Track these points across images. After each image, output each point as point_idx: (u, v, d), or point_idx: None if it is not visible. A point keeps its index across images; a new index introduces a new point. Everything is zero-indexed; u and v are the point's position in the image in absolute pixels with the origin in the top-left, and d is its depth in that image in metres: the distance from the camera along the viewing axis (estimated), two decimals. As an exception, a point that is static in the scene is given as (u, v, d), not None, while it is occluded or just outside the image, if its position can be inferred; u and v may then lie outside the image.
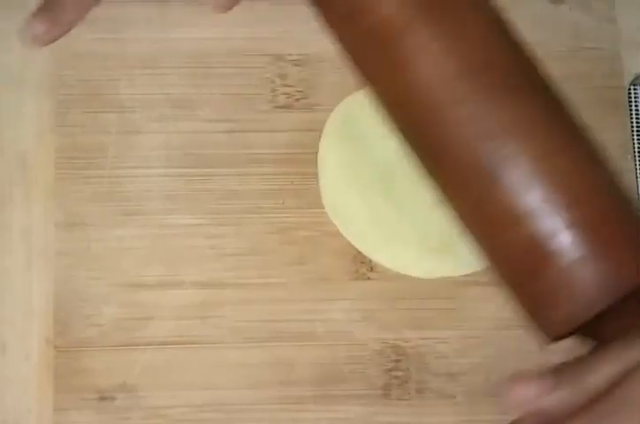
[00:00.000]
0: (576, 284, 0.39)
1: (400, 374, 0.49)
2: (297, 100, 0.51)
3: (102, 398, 0.48)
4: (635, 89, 0.53)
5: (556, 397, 0.37)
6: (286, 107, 0.51)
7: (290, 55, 0.52)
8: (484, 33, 0.42)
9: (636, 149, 0.52)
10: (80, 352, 0.48)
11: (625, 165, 0.52)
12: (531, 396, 0.37)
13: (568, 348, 0.49)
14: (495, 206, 0.41)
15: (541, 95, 0.42)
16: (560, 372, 0.38)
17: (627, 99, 0.53)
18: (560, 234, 0.39)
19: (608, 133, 0.52)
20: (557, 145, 0.41)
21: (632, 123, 0.52)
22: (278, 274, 0.50)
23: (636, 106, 0.53)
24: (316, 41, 0.52)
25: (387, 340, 0.49)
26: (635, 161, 0.52)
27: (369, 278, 0.50)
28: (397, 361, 0.49)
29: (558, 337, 0.41)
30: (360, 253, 0.50)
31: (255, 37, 0.52)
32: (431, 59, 0.41)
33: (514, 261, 0.41)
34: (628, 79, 0.53)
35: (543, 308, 0.41)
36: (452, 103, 0.41)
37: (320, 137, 0.51)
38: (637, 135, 0.52)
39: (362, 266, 0.50)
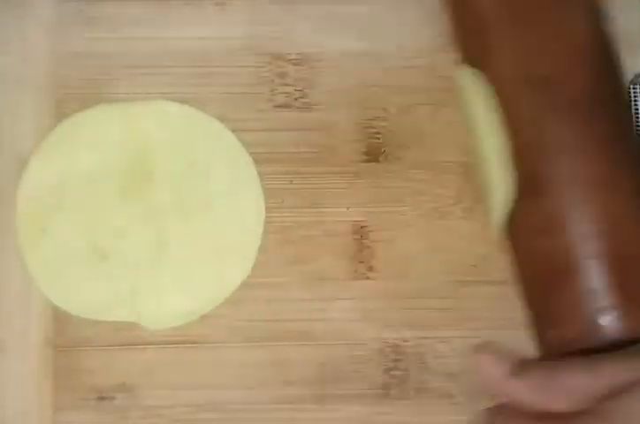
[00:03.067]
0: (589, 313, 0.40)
1: (399, 373, 0.49)
2: (296, 99, 0.51)
3: (102, 398, 0.48)
4: (634, 89, 0.53)
5: (524, 386, 0.37)
6: (286, 106, 0.51)
7: (289, 54, 0.52)
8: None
9: (636, 148, 0.52)
10: (79, 352, 0.48)
11: (625, 165, 0.52)
12: (497, 375, 0.38)
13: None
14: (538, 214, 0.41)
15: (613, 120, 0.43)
16: (530, 365, 0.39)
17: (627, 98, 0.53)
18: (588, 260, 0.40)
19: (608, 133, 0.52)
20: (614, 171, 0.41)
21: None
22: (278, 273, 0.50)
23: (636, 106, 0.52)
24: (316, 40, 0.52)
25: (387, 340, 0.49)
26: (634, 160, 0.52)
27: (368, 278, 0.50)
28: (396, 361, 0.49)
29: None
30: (359, 252, 0.50)
31: (255, 36, 0.52)
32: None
33: (540, 269, 0.41)
34: (627, 78, 0.53)
35: (553, 324, 0.42)
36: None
37: (319, 136, 0.51)
38: (637, 135, 0.52)
39: (362, 265, 0.50)
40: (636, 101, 0.53)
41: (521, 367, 0.38)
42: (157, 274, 0.49)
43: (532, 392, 0.37)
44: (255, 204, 0.50)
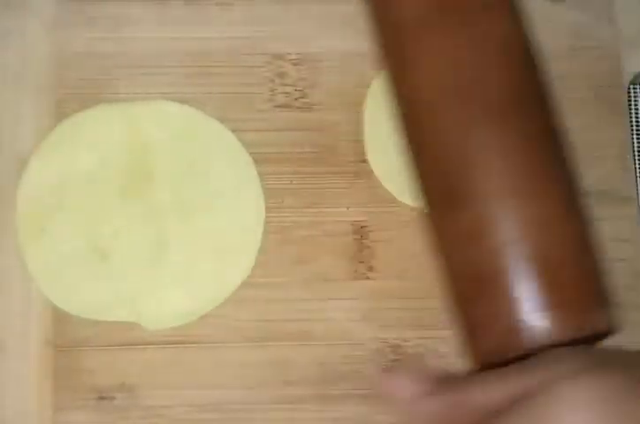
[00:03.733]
0: (510, 321, 0.39)
1: (399, 373, 0.49)
2: (296, 99, 0.51)
3: (102, 398, 0.48)
4: (634, 88, 0.53)
5: (438, 405, 0.36)
6: (285, 106, 0.51)
7: (289, 54, 0.52)
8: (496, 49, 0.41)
9: (636, 149, 0.52)
10: (79, 352, 0.48)
11: (624, 165, 0.52)
12: (406, 394, 0.37)
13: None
14: (462, 223, 0.40)
15: (537, 126, 0.41)
16: (447, 381, 0.37)
17: (626, 98, 0.53)
18: (514, 268, 0.39)
19: (608, 132, 0.52)
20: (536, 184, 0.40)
21: (632, 122, 0.52)
22: (278, 273, 0.50)
23: (636, 105, 0.52)
24: (316, 40, 0.52)
25: (386, 339, 0.49)
26: (634, 160, 0.52)
27: (368, 278, 0.49)
28: (396, 361, 0.49)
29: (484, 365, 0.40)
30: (359, 252, 0.50)
31: (255, 36, 0.52)
32: (431, 70, 0.41)
33: (463, 279, 0.40)
34: (627, 78, 0.53)
35: (476, 335, 0.40)
36: (449, 125, 0.40)
37: (319, 136, 0.51)
38: (637, 134, 0.52)
39: (361, 265, 0.50)
40: (636, 101, 0.53)
41: (437, 385, 0.37)
42: (157, 274, 0.49)
43: (446, 410, 0.36)
44: (255, 204, 0.50)
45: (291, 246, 0.50)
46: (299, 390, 0.48)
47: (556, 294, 0.39)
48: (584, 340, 0.38)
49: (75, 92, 0.51)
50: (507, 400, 0.35)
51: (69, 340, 0.48)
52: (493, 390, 0.36)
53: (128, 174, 0.50)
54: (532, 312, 0.38)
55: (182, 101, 0.51)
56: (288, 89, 0.51)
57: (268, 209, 0.50)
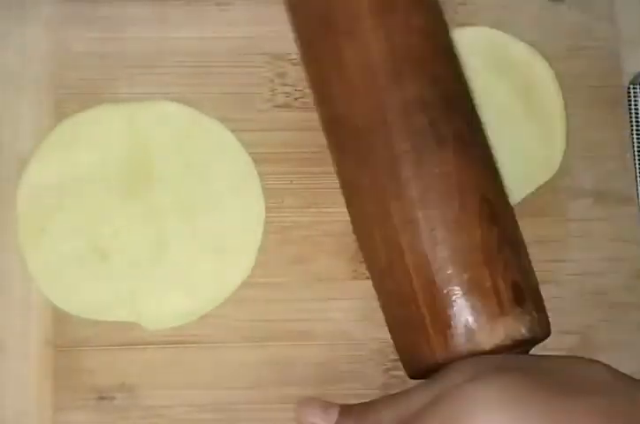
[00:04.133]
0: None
1: (399, 373, 0.49)
2: (296, 99, 0.51)
3: (102, 398, 0.48)
4: (634, 88, 0.53)
5: None
6: (285, 106, 0.51)
7: (289, 54, 0.52)
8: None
9: (636, 148, 0.52)
10: (79, 352, 0.48)
11: (624, 164, 0.52)
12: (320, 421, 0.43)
13: (570, 348, 0.49)
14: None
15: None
16: (357, 406, 0.43)
17: (626, 98, 0.53)
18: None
19: (607, 132, 0.52)
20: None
21: (631, 122, 0.52)
22: (277, 273, 0.50)
23: (636, 105, 0.53)
24: (316, 40, 0.52)
25: (386, 339, 0.49)
26: (634, 160, 0.52)
27: (368, 278, 0.49)
28: (396, 361, 0.48)
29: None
30: (359, 252, 0.50)
31: (255, 36, 0.52)
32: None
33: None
34: (627, 78, 0.53)
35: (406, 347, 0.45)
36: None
37: (319, 136, 0.51)
38: (637, 134, 0.52)
39: (361, 265, 0.49)
40: (636, 101, 0.53)
41: (348, 409, 0.43)
42: (157, 274, 0.49)
43: None
44: (255, 204, 0.50)
45: (291, 245, 0.50)
46: (299, 390, 0.48)
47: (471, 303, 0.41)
48: (514, 346, 0.40)
49: (75, 92, 0.51)
50: (418, 411, 0.38)
51: (69, 340, 0.48)
52: (400, 407, 0.39)
53: (128, 174, 0.50)
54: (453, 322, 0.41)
55: (182, 101, 0.51)
56: (288, 89, 0.51)
57: (268, 209, 0.50)
